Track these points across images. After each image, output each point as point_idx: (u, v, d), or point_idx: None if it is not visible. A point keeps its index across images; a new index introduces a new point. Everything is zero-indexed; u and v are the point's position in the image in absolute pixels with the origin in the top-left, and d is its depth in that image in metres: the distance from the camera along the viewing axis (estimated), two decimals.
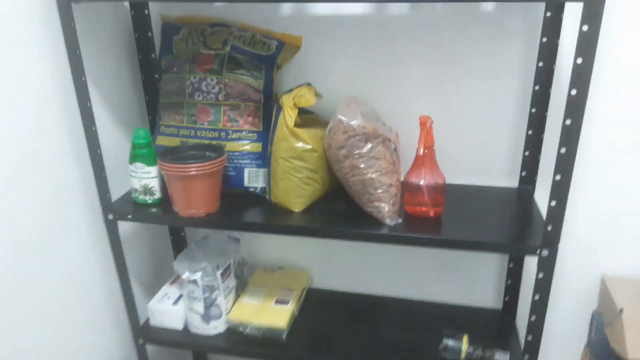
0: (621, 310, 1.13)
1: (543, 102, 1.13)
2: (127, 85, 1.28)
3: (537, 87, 1.13)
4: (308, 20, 1.22)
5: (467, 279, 1.39)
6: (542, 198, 1.19)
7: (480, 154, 1.24)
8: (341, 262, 1.46)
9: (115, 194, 1.19)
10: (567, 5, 1.06)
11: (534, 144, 1.18)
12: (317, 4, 1.20)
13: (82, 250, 1.17)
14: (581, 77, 0.84)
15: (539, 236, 0.99)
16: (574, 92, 0.85)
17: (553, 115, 1.15)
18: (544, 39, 1.09)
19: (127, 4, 1.25)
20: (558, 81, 1.12)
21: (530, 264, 1.30)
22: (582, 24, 0.81)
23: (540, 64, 1.11)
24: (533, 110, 1.15)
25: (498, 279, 1.37)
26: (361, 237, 1.07)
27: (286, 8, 1.23)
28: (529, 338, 1.05)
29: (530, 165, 1.20)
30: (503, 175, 1.25)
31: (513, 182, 1.25)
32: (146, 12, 1.26)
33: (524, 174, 1.22)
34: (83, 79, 1.04)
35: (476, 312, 1.38)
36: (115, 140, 1.23)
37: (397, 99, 1.24)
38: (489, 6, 1.13)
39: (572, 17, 1.07)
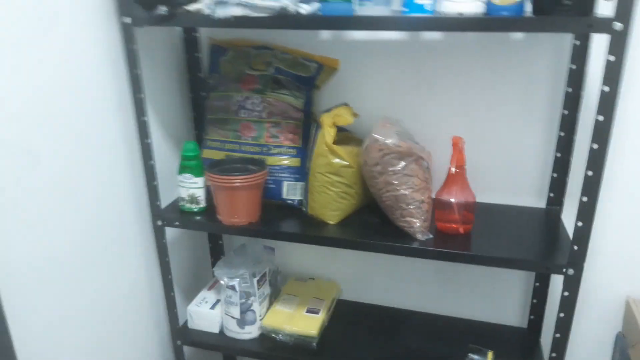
0: None
1: (571, 126, 1.18)
2: (177, 102, 1.38)
3: (565, 112, 1.18)
4: (346, 44, 1.30)
5: (494, 297, 1.43)
6: (569, 218, 1.22)
7: (510, 174, 1.29)
8: (370, 275, 1.52)
9: (163, 202, 1.28)
10: (596, 35, 1.11)
11: (562, 166, 1.22)
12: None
13: (131, 253, 1.26)
14: (607, 104, 0.89)
15: (565, 255, 1.03)
16: (600, 118, 0.90)
17: (581, 139, 1.19)
18: (573, 66, 1.14)
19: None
20: (586, 106, 1.17)
21: (556, 284, 1.33)
22: (608, 54, 0.86)
23: (569, 89, 1.15)
24: (562, 133, 1.20)
25: (524, 297, 1.40)
26: (393, 251, 1.12)
27: (325, 33, 1.31)
28: (553, 355, 1.08)
29: (558, 186, 1.24)
30: (532, 195, 1.29)
31: (541, 203, 1.29)
32: (195, 34, 1.36)
33: (551, 194, 1.26)
34: (142, 96, 1.13)
35: (502, 329, 1.41)
36: (164, 153, 1.33)
37: (429, 120, 1.30)
38: (519, 34, 1.19)
39: (600, 45, 1.12)
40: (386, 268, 1.49)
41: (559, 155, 1.22)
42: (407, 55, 1.27)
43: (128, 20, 1.08)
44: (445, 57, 1.24)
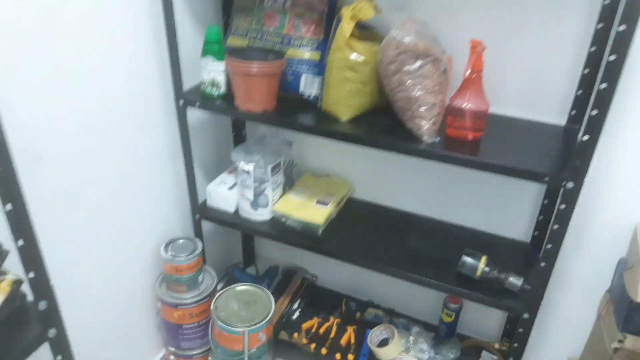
0: None
1: (603, 41, 1.11)
2: None
3: (599, 26, 1.11)
4: None
5: (504, 210, 1.44)
6: None
7: (533, 88, 1.25)
8: (383, 177, 1.56)
9: (187, 85, 1.34)
10: None
11: (588, 83, 1.17)
12: None
13: (156, 131, 1.35)
14: (631, 13, 0.84)
15: (567, 169, 1.03)
16: (622, 28, 0.86)
17: None
18: None
19: None
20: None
21: None
22: None
23: (607, 1, 1.08)
24: (592, 49, 1.14)
25: (532, 213, 1.41)
26: (398, 149, 1.15)
27: None
28: (542, 264, 1.12)
29: (581, 104, 1.20)
30: (553, 111, 1.26)
31: (561, 120, 1.26)
32: None
33: (573, 112, 1.22)
34: None
35: (505, 241, 1.44)
36: (194, 38, 1.36)
37: (458, 25, 1.26)
38: None
39: None
40: (399, 171, 1.52)
41: (586, 71, 1.17)
42: None
43: None
44: None
